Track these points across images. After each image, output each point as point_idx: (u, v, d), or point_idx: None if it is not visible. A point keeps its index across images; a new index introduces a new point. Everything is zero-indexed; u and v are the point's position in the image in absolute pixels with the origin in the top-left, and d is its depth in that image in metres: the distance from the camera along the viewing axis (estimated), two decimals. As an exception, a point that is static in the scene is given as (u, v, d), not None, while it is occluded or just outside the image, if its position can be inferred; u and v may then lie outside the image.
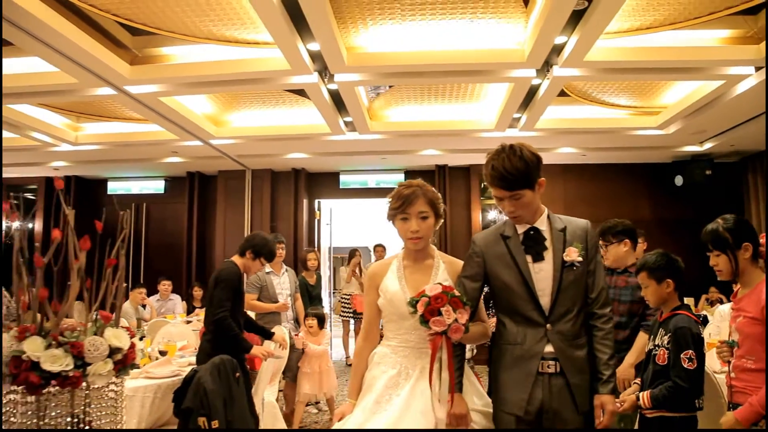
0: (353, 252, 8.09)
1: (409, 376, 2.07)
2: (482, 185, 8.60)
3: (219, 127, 6.64)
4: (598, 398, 1.99)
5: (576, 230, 2.08)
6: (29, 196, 9.63)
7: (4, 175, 8.83)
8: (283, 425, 4.26)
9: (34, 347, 1.57)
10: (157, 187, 9.25)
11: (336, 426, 2.07)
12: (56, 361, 1.57)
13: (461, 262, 2.22)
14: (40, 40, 3.96)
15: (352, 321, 7.84)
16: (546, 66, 4.67)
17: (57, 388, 1.59)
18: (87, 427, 1.70)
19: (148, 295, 6.89)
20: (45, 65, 4.51)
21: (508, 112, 5.79)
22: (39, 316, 1.64)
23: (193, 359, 3.62)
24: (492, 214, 8.50)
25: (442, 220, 2.24)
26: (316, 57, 4.49)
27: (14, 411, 1.61)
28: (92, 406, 1.70)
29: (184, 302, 7.36)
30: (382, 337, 2.29)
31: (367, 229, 10.56)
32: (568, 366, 1.97)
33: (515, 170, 1.94)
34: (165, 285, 7.08)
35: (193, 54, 4.66)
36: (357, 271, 7.93)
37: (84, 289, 1.73)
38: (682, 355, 2.36)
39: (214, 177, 8.96)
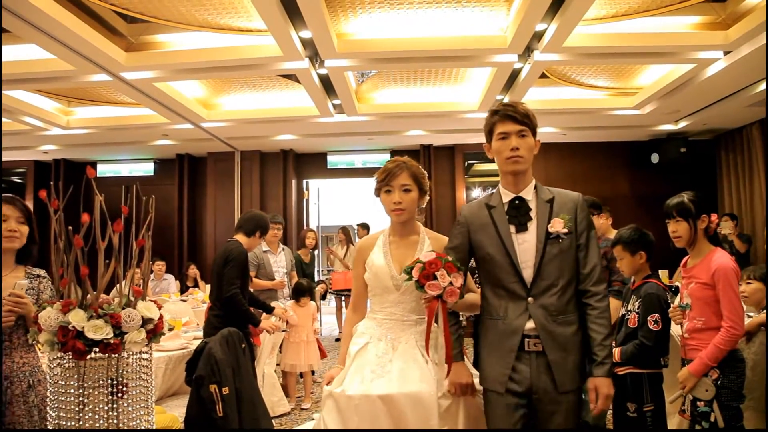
0: (345, 229, 8.30)
1: (396, 348, 2.10)
2: (466, 164, 8.84)
3: (210, 110, 6.77)
4: (592, 381, 1.91)
5: (566, 202, 2.00)
6: (16, 179, 9.68)
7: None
8: (281, 395, 4.53)
9: (78, 318, 1.78)
10: (147, 169, 9.36)
11: (328, 389, 2.10)
12: (98, 331, 1.78)
13: (446, 238, 2.22)
14: (37, 28, 4.08)
15: (343, 297, 8.09)
16: (527, 51, 4.89)
17: (99, 354, 1.81)
18: (122, 395, 1.92)
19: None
20: (42, 52, 4.62)
21: (491, 95, 6.01)
22: (80, 291, 1.85)
23: (198, 333, 3.85)
24: (476, 192, 8.77)
25: (428, 198, 2.28)
26: (307, 44, 4.66)
27: (60, 379, 1.83)
28: (127, 370, 1.93)
29: (177, 281, 7.55)
30: None
31: (354, 208, 10.81)
32: (548, 342, 1.90)
33: (524, 109, 2.00)
34: (159, 265, 7.26)
35: (187, 41, 4.79)
36: (341, 249, 8.10)
37: (116, 267, 1.94)
38: (648, 318, 2.66)
39: (204, 159, 9.09)
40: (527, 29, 4.33)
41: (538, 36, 4.63)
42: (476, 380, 2.09)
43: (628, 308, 2.81)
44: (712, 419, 2.33)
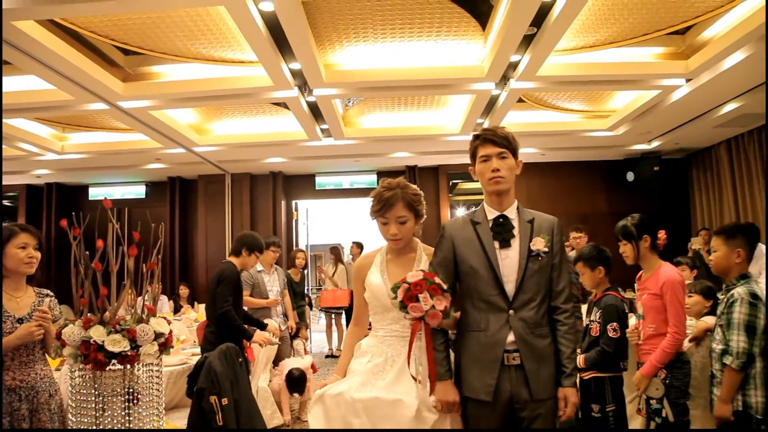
0: (335, 248, 8.49)
1: (395, 364, 2.12)
2: (450, 183, 9.15)
3: (202, 135, 7.02)
4: (561, 391, 2.04)
5: (543, 223, 2.12)
6: (7, 203, 9.80)
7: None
8: (275, 408, 4.71)
9: (98, 333, 2.01)
10: (138, 191, 9.55)
11: (319, 392, 2.13)
12: (116, 344, 2.01)
13: None
14: (38, 60, 4.32)
15: (333, 315, 8.25)
16: (504, 79, 5.22)
17: (117, 365, 2.03)
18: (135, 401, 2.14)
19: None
20: (42, 83, 4.85)
21: (471, 118, 6.33)
22: (101, 309, 2.07)
23: (195, 350, 4.05)
24: (460, 211, 9.07)
25: (425, 217, 2.31)
26: (296, 74, 4.94)
27: (82, 388, 2.05)
28: (141, 380, 2.15)
29: (170, 302, 7.70)
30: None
31: (342, 227, 11.06)
32: (526, 353, 2.00)
33: (504, 133, 2.11)
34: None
35: (182, 72, 5.05)
36: (331, 268, 8.29)
37: (130, 287, 2.17)
38: (608, 326, 2.93)
39: (195, 181, 9.31)
40: (502, 60, 4.65)
41: (513, 66, 4.95)
42: None
43: (591, 319, 3.08)
44: (663, 415, 2.59)
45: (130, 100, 5.21)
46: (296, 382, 4.74)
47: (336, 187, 9.43)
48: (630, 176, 8.62)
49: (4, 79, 4.95)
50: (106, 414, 2.03)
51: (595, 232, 6.69)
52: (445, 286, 2.00)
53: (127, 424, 2.09)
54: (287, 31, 4.02)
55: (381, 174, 9.33)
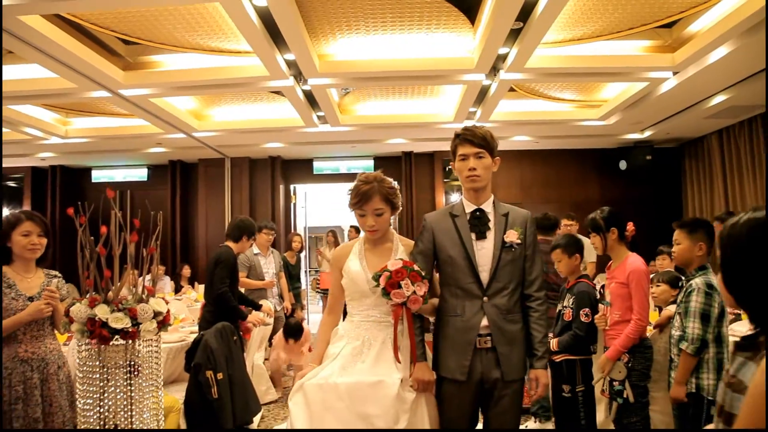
0: (333, 231, 8.69)
1: (372, 347, 2.23)
2: (446, 169, 9.32)
3: (201, 121, 7.19)
4: (533, 372, 2.22)
5: (517, 217, 2.28)
6: (12, 184, 10.01)
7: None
8: (269, 384, 4.96)
9: (102, 312, 2.22)
10: (141, 174, 9.74)
11: (299, 381, 2.20)
12: (119, 322, 2.22)
13: None
14: (42, 51, 4.48)
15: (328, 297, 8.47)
16: (493, 70, 5.36)
17: (120, 341, 2.24)
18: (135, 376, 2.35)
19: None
20: (46, 71, 5.02)
21: (464, 107, 6.48)
22: (104, 290, 2.28)
23: (193, 328, 4.28)
24: (454, 197, 9.24)
25: (400, 209, 2.44)
26: (291, 64, 5.09)
27: (88, 360, 2.26)
28: (140, 354, 2.36)
29: (172, 282, 7.94)
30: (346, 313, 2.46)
31: (340, 211, 11.24)
32: (498, 337, 2.17)
33: (481, 133, 2.25)
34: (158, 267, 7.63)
35: (180, 61, 5.21)
36: (329, 250, 8.52)
37: (131, 270, 2.37)
38: (581, 312, 3.13)
39: (195, 165, 9.49)
40: (491, 53, 4.79)
41: (503, 58, 5.10)
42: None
43: (564, 304, 3.29)
44: (624, 395, 2.80)
45: (131, 89, 5.38)
46: (293, 329, 4.99)
47: (333, 171, 9.60)
48: (623, 165, 8.77)
49: (9, 67, 5.12)
50: (109, 384, 2.25)
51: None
52: (423, 273, 2.15)
53: (130, 394, 2.31)
54: (280, 24, 4.17)
55: (378, 159, 9.51)
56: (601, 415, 3.33)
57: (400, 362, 2.19)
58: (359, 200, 2.30)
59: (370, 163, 9.50)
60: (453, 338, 2.21)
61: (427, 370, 2.21)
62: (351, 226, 8.84)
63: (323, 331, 2.46)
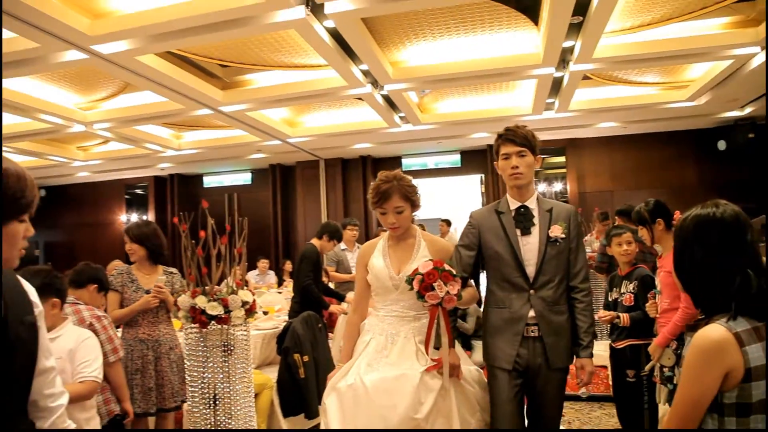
0: (447, 221, 8.84)
1: (395, 342, 2.28)
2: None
3: (294, 128, 7.83)
4: (579, 361, 2.28)
5: (561, 212, 2.31)
6: (139, 191, 11.37)
7: (122, 176, 10.57)
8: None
9: (201, 302, 2.72)
10: (245, 178, 10.69)
11: (331, 382, 2.30)
12: (214, 309, 2.72)
13: (443, 241, 2.52)
14: (153, 81, 5.23)
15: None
16: (563, 63, 5.43)
17: (215, 325, 2.75)
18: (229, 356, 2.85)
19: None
20: (158, 97, 5.82)
21: (540, 99, 6.55)
22: (202, 284, 2.80)
23: (286, 317, 4.83)
24: (541, 187, 9.23)
25: (420, 207, 2.46)
26: (366, 73, 5.50)
27: (192, 342, 2.79)
28: (233, 337, 2.86)
29: (275, 276, 8.68)
30: None
31: (429, 205, 11.56)
32: (545, 327, 2.23)
33: (523, 133, 2.30)
34: (263, 263, 8.38)
35: (270, 78, 5.82)
36: None
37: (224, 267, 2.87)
38: (648, 294, 3.20)
39: (293, 167, 10.24)
40: (555, 48, 4.89)
41: (569, 50, 5.16)
42: (463, 366, 2.26)
43: (621, 291, 3.37)
44: (675, 381, 2.89)
45: (229, 105, 6.07)
46: None
47: (422, 167, 9.93)
48: (722, 145, 8.30)
49: (128, 96, 5.99)
50: (209, 361, 2.77)
51: (688, 205, 6.54)
52: (454, 271, 2.15)
53: (227, 369, 2.81)
54: (349, 40, 4.59)
55: (464, 153, 9.69)
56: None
57: (428, 357, 2.21)
58: (379, 199, 2.35)
59: (457, 157, 9.72)
60: (501, 329, 2.29)
61: (455, 355, 2.24)
62: (442, 220, 9.04)
63: (348, 332, 2.52)
